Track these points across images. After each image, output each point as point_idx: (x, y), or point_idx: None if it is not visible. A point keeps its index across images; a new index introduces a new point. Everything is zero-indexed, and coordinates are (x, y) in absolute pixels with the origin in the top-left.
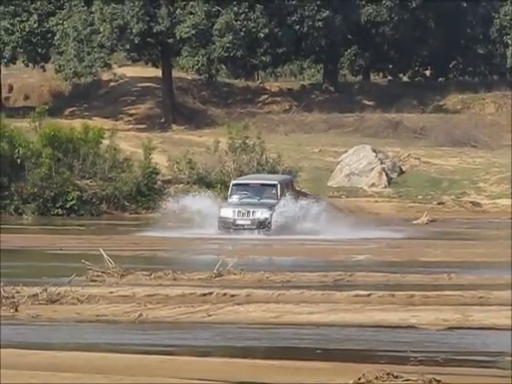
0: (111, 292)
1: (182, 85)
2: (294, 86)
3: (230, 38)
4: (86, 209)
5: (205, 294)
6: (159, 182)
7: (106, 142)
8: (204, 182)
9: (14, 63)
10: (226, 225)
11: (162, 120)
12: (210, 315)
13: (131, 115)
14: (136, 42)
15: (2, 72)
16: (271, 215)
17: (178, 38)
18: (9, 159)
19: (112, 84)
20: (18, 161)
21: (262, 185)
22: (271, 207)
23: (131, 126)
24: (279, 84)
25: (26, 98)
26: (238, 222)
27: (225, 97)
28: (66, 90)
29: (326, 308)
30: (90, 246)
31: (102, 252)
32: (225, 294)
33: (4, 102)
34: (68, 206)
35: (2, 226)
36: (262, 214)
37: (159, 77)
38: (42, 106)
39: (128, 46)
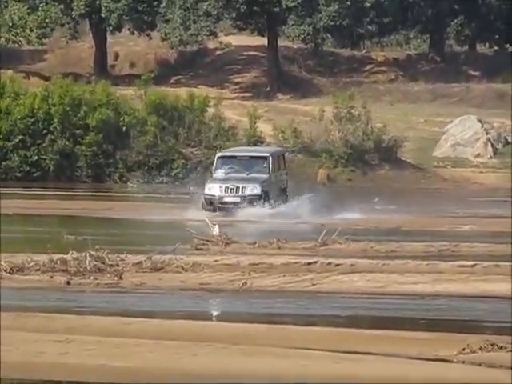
0: (216, 260)
1: (287, 54)
2: (400, 56)
3: (336, 7)
4: (190, 177)
5: (309, 263)
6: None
7: (211, 110)
8: (309, 151)
9: (120, 31)
10: (212, 203)
11: (268, 89)
12: (314, 284)
13: (237, 84)
14: (242, 10)
15: (108, 40)
16: (263, 191)
17: (284, 6)
18: (114, 127)
19: (218, 52)
20: (124, 129)
21: (252, 157)
22: (263, 182)
23: (236, 95)
24: (385, 53)
25: (132, 65)
26: (226, 199)
27: (330, 66)
28: (171, 58)
29: (431, 278)
30: (194, 214)
31: (207, 220)
32: (329, 264)
33: (110, 70)
34: (173, 173)
35: (107, 194)
36: (252, 189)
37: (265, 46)
38: (148, 73)
39: (234, 15)
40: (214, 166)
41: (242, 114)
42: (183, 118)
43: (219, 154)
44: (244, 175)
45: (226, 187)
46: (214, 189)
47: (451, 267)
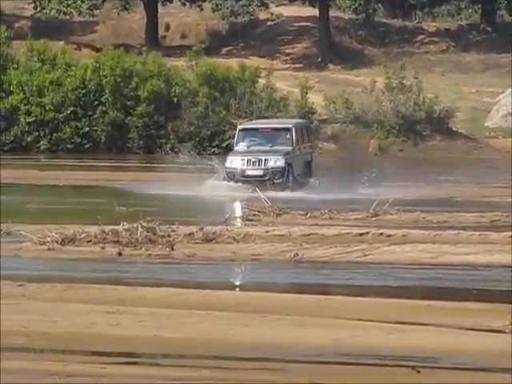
0: (267, 231)
1: (338, 24)
2: (451, 26)
3: None
4: None
5: (361, 234)
6: (315, 122)
7: (262, 81)
8: (360, 122)
9: (171, 2)
10: (234, 176)
11: (319, 59)
12: (365, 255)
13: (288, 55)
14: None
15: (159, 11)
16: (286, 163)
17: None
18: (165, 98)
19: (269, 23)
20: (175, 100)
21: (274, 129)
22: (286, 154)
23: (288, 66)
24: (436, 24)
25: (183, 36)
26: (248, 172)
27: (382, 36)
28: (222, 29)
29: (483, 249)
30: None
31: (258, 191)
32: (381, 234)
33: (161, 41)
34: (224, 145)
35: (159, 166)
36: (275, 161)
37: (316, 16)
38: (199, 44)
39: None
40: (236, 138)
41: (293, 85)
42: (234, 89)
43: (240, 127)
44: (267, 147)
45: (249, 160)
46: (235, 162)
47: (503, 238)
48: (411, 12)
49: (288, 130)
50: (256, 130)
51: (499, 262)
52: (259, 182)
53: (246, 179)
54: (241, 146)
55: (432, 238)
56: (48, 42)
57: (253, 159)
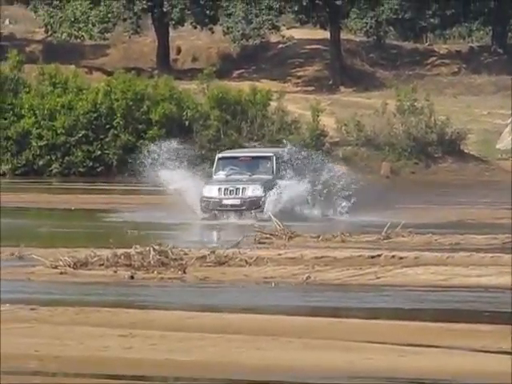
0: (279, 254)
1: (350, 47)
2: (463, 48)
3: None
4: None
5: (373, 257)
6: (327, 144)
7: (273, 104)
8: (372, 145)
9: (183, 25)
10: (210, 206)
11: (330, 82)
12: (378, 277)
13: (299, 77)
14: (304, 3)
15: (171, 34)
16: (265, 192)
17: None
18: (177, 121)
19: (280, 46)
20: (186, 123)
21: (254, 158)
22: (265, 183)
23: (299, 88)
24: (448, 46)
25: (194, 59)
26: (224, 201)
27: (393, 59)
28: (233, 52)
29: (495, 271)
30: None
31: (270, 214)
32: (393, 257)
33: (172, 64)
34: None
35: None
36: (253, 191)
37: (327, 39)
38: (210, 67)
39: (296, 8)
40: (214, 167)
41: (305, 108)
42: (246, 112)
43: (219, 155)
44: (246, 176)
45: (226, 189)
46: (211, 190)
47: None
48: (422, 34)
49: (269, 158)
50: (236, 158)
51: (511, 284)
52: (236, 212)
53: (222, 209)
54: (219, 175)
55: (444, 260)
56: (59, 66)
57: (230, 188)
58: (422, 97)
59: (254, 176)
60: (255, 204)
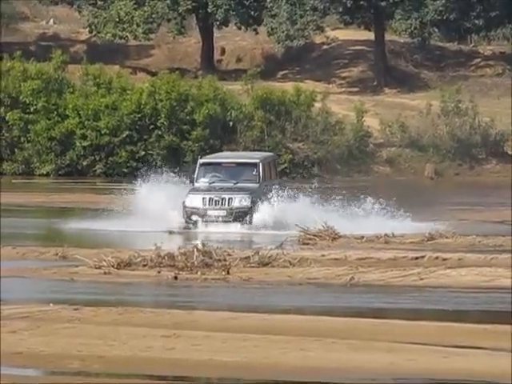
0: (323, 255)
1: (394, 48)
2: (507, 50)
3: (443, 1)
4: (297, 171)
5: (417, 258)
6: (371, 145)
7: (317, 104)
8: (416, 146)
9: (227, 26)
10: (193, 217)
11: (375, 83)
12: (421, 279)
13: (343, 78)
14: (349, 5)
15: (215, 35)
16: (253, 202)
17: (390, 1)
18: (221, 122)
19: (324, 47)
20: (230, 123)
21: (239, 164)
22: (253, 193)
23: (343, 89)
24: (492, 47)
25: (239, 60)
26: (210, 212)
27: (437, 60)
28: (278, 53)
29: None
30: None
31: (315, 215)
32: (437, 258)
33: (216, 65)
34: (279, 169)
35: None
36: (240, 201)
37: (371, 40)
38: (254, 68)
39: (341, 9)
40: (196, 174)
41: (349, 109)
42: (290, 113)
43: (201, 161)
44: (231, 185)
45: (210, 199)
46: (195, 200)
47: None
48: (467, 35)
49: (254, 165)
50: (219, 164)
51: None
52: (222, 223)
53: (207, 220)
54: (201, 183)
55: (488, 262)
56: (103, 66)
57: (215, 198)
58: (466, 98)
59: (239, 184)
60: (243, 215)
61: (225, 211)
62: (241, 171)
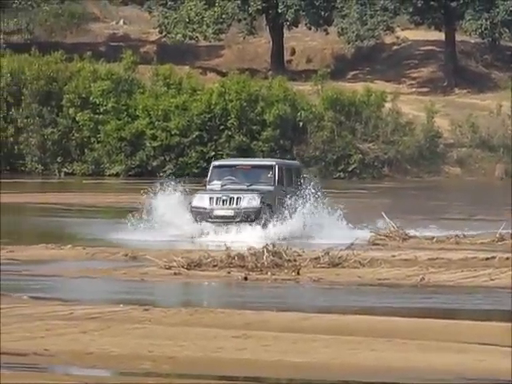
0: (393, 256)
1: (464, 48)
2: None
3: None
4: (367, 172)
5: (487, 258)
6: (441, 146)
7: (388, 105)
8: (486, 146)
9: (297, 26)
10: (201, 217)
11: (445, 83)
12: (492, 279)
13: (414, 79)
14: (419, 5)
15: (285, 35)
16: (263, 203)
17: (461, 1)
18: (291, 122)
19: (395, 47)
20: (300, 124)
21: (254, 167)
22: (264, 194)
23: (413, 90)
24: None
25: (309, 61)
26: (216, 212)
27: (508, 60)
28: (348, 53)
29: None
30: (371, 209)
31: (384, 215)
32: (507, 258)
33: (286, 65)
34: (350, 169)
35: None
36: (249, 201)
37: (442, 40)
38: (324, 69)
39: (411, 10)
40: (209, 176)
41: (419, 109)
42: (360, 113)
43: (215, 163)
44: (243, 186)
45: (218, 198)
46: (202, 200)
47: None
48: None
49: (270, 167)
50: (233, 167)
51: None
52: (229, 223)
53: (213, 220)
54: (213, 185)
55: None
56: (173, 67)
57: (223, 197)
58: None
59: (252, 186)
60: (251, 216)
61: (232, 211)
62: (256, 174)
